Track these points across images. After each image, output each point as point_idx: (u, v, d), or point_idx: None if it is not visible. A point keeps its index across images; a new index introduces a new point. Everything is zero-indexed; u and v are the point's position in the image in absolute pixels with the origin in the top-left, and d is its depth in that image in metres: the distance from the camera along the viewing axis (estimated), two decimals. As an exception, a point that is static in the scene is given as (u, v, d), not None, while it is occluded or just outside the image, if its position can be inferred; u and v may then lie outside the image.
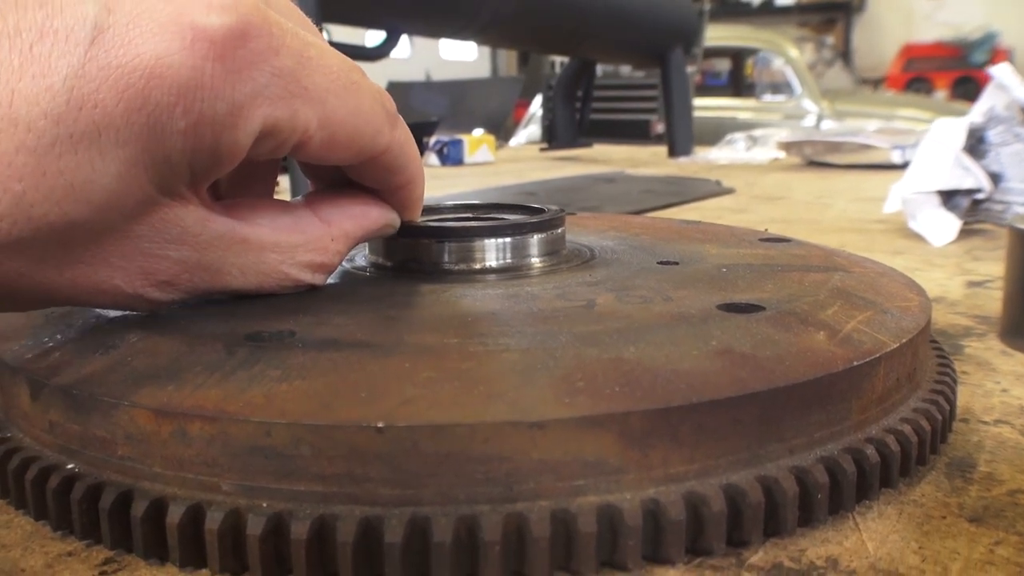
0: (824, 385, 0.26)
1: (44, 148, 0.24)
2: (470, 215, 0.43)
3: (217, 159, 0.27)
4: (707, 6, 1.90)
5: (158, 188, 0.27)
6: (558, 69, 3.82)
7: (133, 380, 0.25)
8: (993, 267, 0.63)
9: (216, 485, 0.23)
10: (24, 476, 0.26)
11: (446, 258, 0.37)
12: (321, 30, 1.07)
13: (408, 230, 0.36)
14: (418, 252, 0.37)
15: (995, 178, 0.73)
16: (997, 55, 6.79)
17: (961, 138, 0.74)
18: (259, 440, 0.23)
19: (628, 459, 0.23)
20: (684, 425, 0.23)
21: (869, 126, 4.40)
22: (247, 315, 0.30)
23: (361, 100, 0.30)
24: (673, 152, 1.73)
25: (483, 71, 8.32)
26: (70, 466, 0.26)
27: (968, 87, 6.65)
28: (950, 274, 0.61)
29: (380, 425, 0.22)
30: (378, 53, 1.26)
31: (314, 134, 0.29)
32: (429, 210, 0.43)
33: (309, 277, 0.32)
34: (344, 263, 0.39)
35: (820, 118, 4.62)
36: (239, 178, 0.34)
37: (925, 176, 0.73)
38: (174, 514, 0.23)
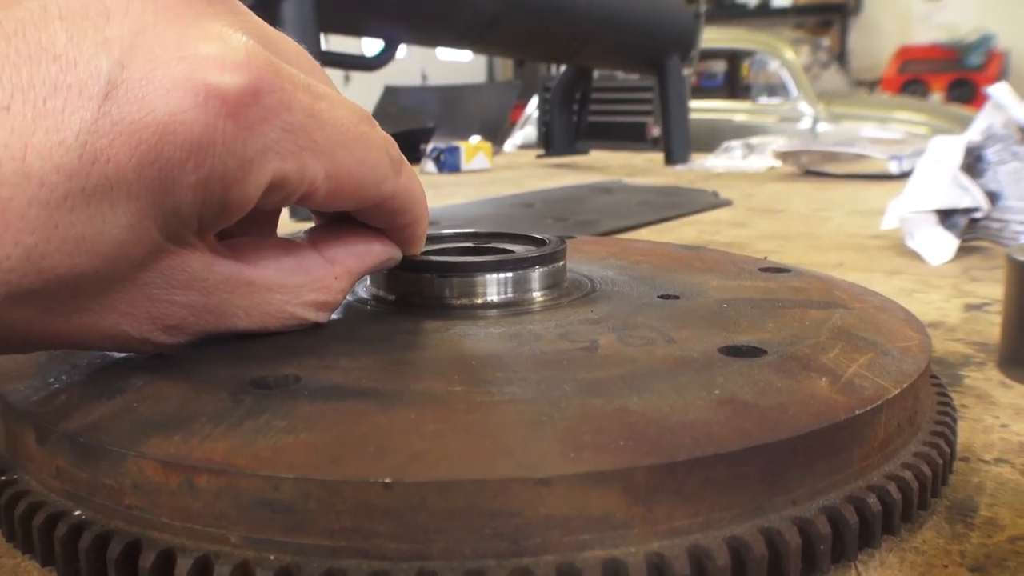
0: (827, 435, 0.26)
1: (56, 202, 0.24)
2: (471, 244, 0.44)
3: (225, 211, 0.28)
4: (703, 8, 1.91)
5: (166, 237, 0.27)
6: (554, 71, 3.83)
7: (140, 428, 0.25)
8: (991, 289, 0.63)
9: (224, 537, 0.23)
10: (31, 522, 0.26)
11: (448, 293, 0.37)
12: (318, 41, 1.07)
13: (410, 264, 0.37)
14: (420, 286, 0.37)
15: (993, 197, 0.74)
16: (992, 58, 6.81)
17: (959, 157, 0.74)
18: (267, 494, 0.23)
19: (633, 514, 0.23)
20: (689, 479, 0.23)
21: (864, 129, 4.43)
22: (251, 357, 0.30)
23: (368, 151, 0.30)
24: (670, 160, 1.73)
25: (479, 72, 8.32)
26: (77, 513, 0.26)
27: (963, 90, 6.67)
28: (948, 296, 0.61)
29: (388, 481, 0.22)
30: (377, 62, 1.27)
31: (321, 185, 0.29)
32: (430, 239, 0.43)
33: (313, 315, 0.32)
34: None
35: (816, 121, 4.63)
36: (242, 219, 0.35)
37: (923, 195, 0.73)
38: (182, 566, 0.23)
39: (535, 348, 0.31)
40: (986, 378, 0.44)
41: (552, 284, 0.39)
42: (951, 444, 0.32)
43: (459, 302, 0.37)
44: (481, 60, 8.21)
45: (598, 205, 1.07)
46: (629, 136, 3.73)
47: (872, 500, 0.27)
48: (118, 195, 0.25)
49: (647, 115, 3.91)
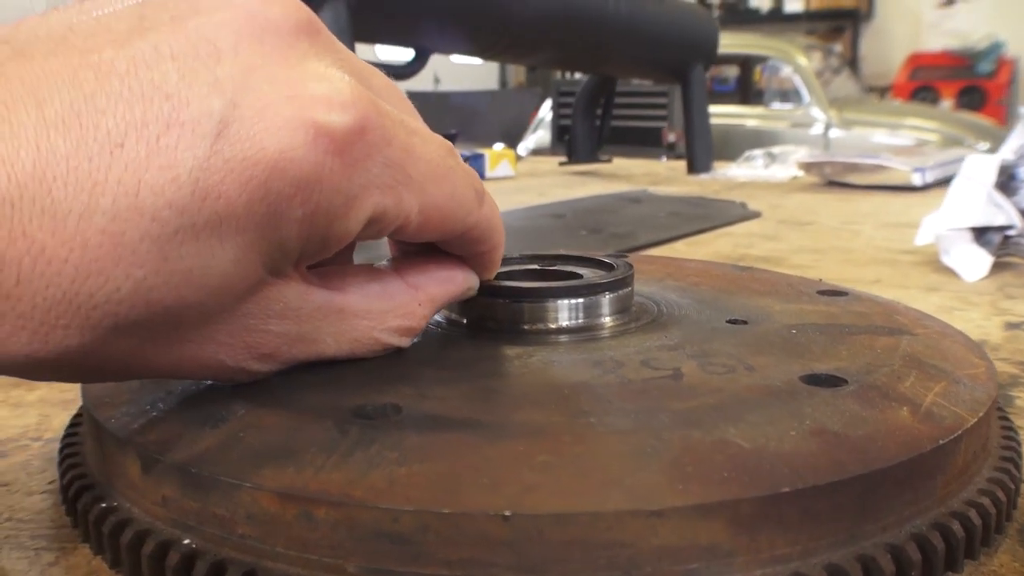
0: (914, 465, 0.27)
1: (167, 236, 0.25)
2: (536, 267, 0.45)
3: (327, 244, 0.29)
4: (716, 13, 1.92)
5: (268, 270, 0.28)
6: (569, 76, 3.84)
7: (251, 459, 0.26)
8: (1033, 306, 0.64)
9: (341, 567, 0.24)
10: (140, 550, 0.27)
11: (522, 318, 0.38)
12: (353, 49, 1.08)
13: (485, 289, 0.38)
14: (494, 311, 0.38)
15: (1027, 214, 0.75)
16: (1002, 65, 6.81)
17: (993, 175, 0.75)
18: (386, 525, 0.24)
19: (738, 543, 0.24)
20: (790, 510, 0.24)
21: (876, 135, 4.43)
22: (344, 384, 0.31)
23: (456, 185, 0.31)
24: (692, 169, 1.74)
25: (491, 75, 8.33)
26: (187, 541, 0.27)
27: (973, 97, 6.68)
28: (987, 314, 0.62)
29: (507, 514, 0.23)
30: (408, 71, 1.28)
31: (414, 219, 0.30)
32: (497, 261, 0.44)
33: (397, 341, 0.33)
34: None
35: (828, 127, 4.64)
36: None
37: (958, 213, 0.74)
38: (302, 593, 0.24)
39: (621, 376, 0.32)
40: (1037, 399, 0.45)
41: (622, 309, 0.40)
42: (1019, 468, 0.33)
43: (532, 327, 0.38)
44: (494, 63, 8.22)
45: (629, 216, 1.08)
46: (645, 141, 3.75)
47: (955, 526, 0.27)
48: (227, 230, 0.26)
49: (662, 120, 3.93)
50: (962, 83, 6.82)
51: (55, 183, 0.24)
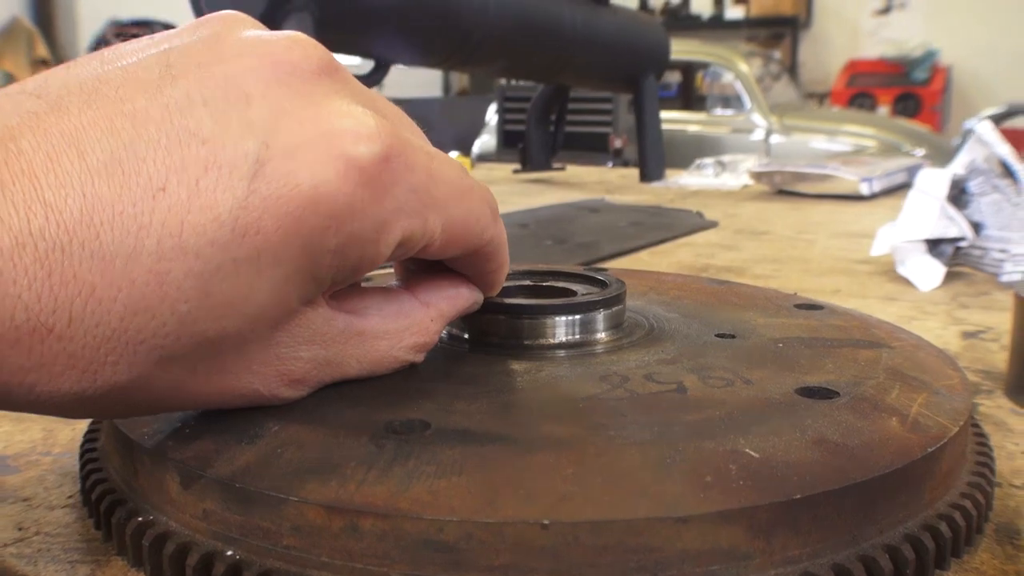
0: (907, 471, 0.29)
1: (210, 272, 0.26)
2: (529, 283, 0.46)
3: (358, 270, 0.30)
4: (658, 19, 1.95)
5: (301, 299, 0.30)
6: (513, 81, 3.87)
7: (293, 474, 0.28)
8: (982, 316, 0.67)
9: (386, 575, 0.26)
10: (185, 561, 0.28)
11: (523, 334, 0.40)
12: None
13: (488, 306, 0.39)
14: (497, 327, 0.40)
15: (976, 227, 0.78)
16: (936, 73, 7.01)
17: (945, 189, 0.78)
18: (431, 535, 0.25)
19: (755, 547, 0.26)
20: (802, 515, 0.27)
21: (815, 141, 4.53)
22: (369, 401, 0.32)
23: (473, 203, 0.33)
24: (645, 177, 1.77)
25: (435, 81, 8.33)
26: (229, 553, 0.28)
27: (908, 103, 6.86)
28: (944, 323, 0.65)
29: (546, 522, 0.25)
30: (369, 82, 1.29)
31: (438, 238, 0.32)
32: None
33: (413, 357, 0.35)
34: None
35: (768, 132, 4.74)
36: None
37: (914, 225, 0.78)
38: (351, 601, 0.26)
39: (629, 390, 0.34)
40: (997, 406, 0.48)
41: (616, 324, 0.42)
42: (993, 472, 0.35)
43: (533, 343, 0.40)
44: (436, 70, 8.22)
45: (591, 226, 1.10)
46: (591, 147, 3.79)
47: (943, 527, 0.30)
48: (265, 263, 0.27)
49: (608, 126, 3.98)
50: (898, 90, 7.00)
51: (102, 227, 0.25)
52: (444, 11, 1.27)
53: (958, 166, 0.81)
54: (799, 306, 0.48)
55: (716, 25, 7.83)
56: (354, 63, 1.28)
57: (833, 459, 0.28)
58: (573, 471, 0.27)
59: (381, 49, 1.23)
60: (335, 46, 1.18)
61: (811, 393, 0.33)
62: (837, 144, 4.56)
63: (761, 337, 0.41)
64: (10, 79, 4.92)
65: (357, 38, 1.18)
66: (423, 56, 1.35)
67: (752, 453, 0.28)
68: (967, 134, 0.82)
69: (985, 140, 0.79)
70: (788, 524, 0.26)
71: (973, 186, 0.80)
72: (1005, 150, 0.80)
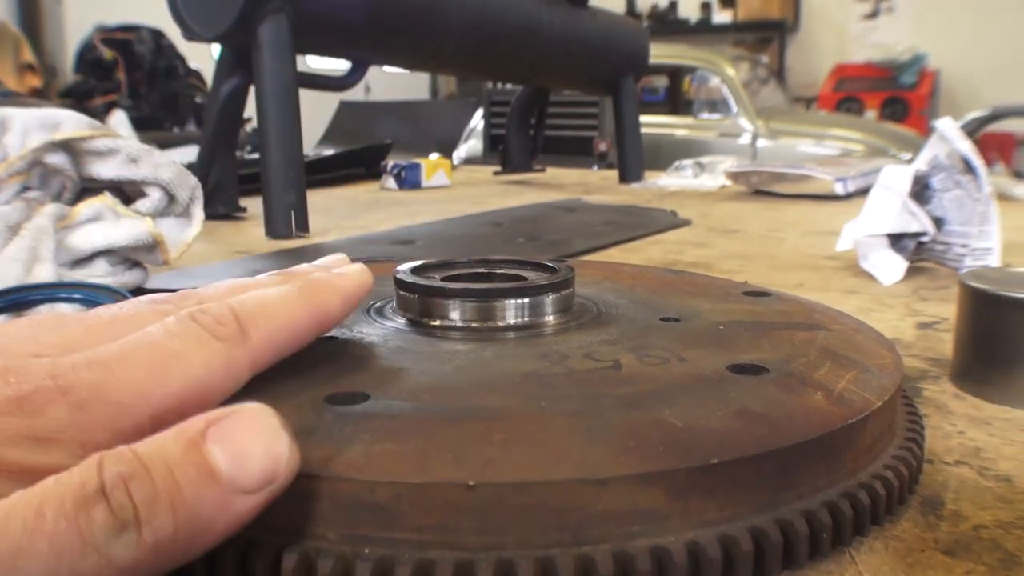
0: (826, 441, 0.31)
1: None
2: (483, 270, 0.48)
3: None
4: (645, 23, 1.97)
5: None
6: (500, 85, 3.90)
7: (238, 440, 0.29)
8: (938, 308, 0.69)
9: (324, 535, 0.27)
10: None
11: (473, 316, 0.41)
12: (294, 61, 1.10)
13: (440, 291, 0.41)
14: (447, 311, 0.41)
15: (938, 222, 0.80)
16: (924, 77, 7.05)
17: (908, 185, 0.80)
18: (364, 496, 0.27)
19: (673, 508, 0.27)
20: (719, 479, 0.28)
21: (802, 145, 4.56)
22: (313, 373, 0.34)
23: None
24: (624, 178, 1.79)
25: (423, 84, 8.34)
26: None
27: (896, 107, 6.90)
28: (901, 315, 0.67)
29: (471, 484, 0.26)
30: (345, 83, 1.30)
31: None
32: (448, 264, 0.48)
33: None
34: (377, 319, 0.43)
35: (755, 137, 4.76)
36: None
37: (875, 220, 0.79)
38: (289, 560, 0.27)
39: (566, 366, 0.35)
40: (942, 390, 0.49)
41: (564, 308, 0.43)
42: (921, 448, 0.37)
43: (483, 325, 0.41)
44: (424, 73, 8.23)
45: (564, 224, 1.11)
46: (577, 151, 3.81)
47: (863, 495, 0.31)
48: None
49: (593, 130, 4.00)
50: (885, 94, 7.04)
51: None
52: (419, 13, 1.28)
53: (920, 162, 0.83)
54: (747, 293, 0.49)
55: (704, 29, 7.86)
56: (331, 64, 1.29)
57: (753, 428, 0.30)
58: (501, 437, 0.28)
59: (357, 51, 1.25)
60: (311, 48, 1.19)
61: (742, 370, 0.35)
62: (824, 148, 4.59)
63: (704, 321, 0.43)
64: (-3, 84, 4.92)
65: (333, 40, 1.20)
66: (399, 58, 1.36)
67: (675, 422, 0.30)
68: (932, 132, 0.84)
69: (947, 137, 0.80)
70: (705, 488, 0.28)
71: (935, 182, 0.82)
72: (966, 146, 0.81)
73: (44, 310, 0.60)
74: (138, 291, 0.70)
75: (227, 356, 0.30)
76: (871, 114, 6.88)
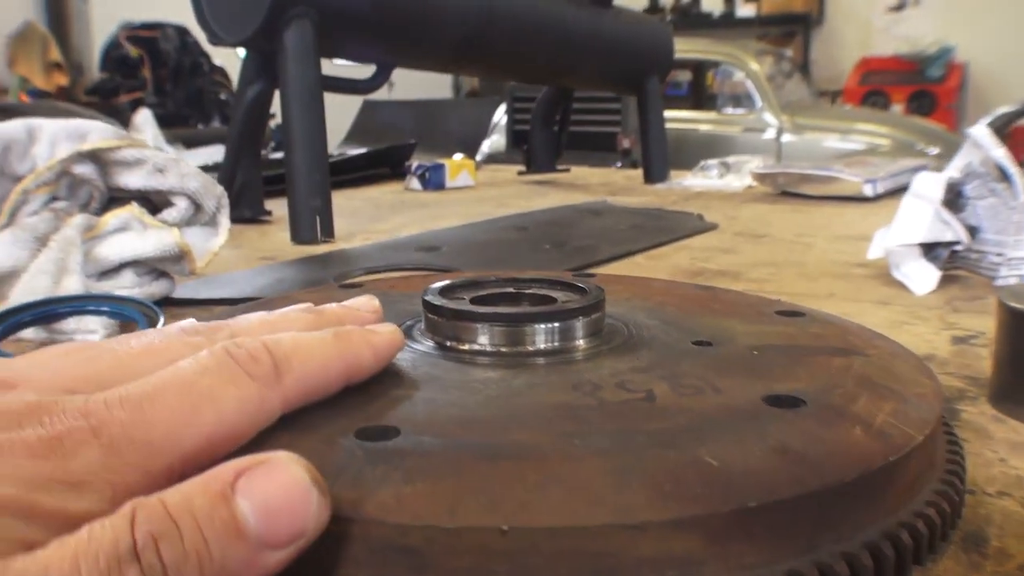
0: (867, 480, 0.30)
1: None
2: (512, 289, 0.47)
3: None
4: (668, 18, 1.96)
5: None
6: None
7: (268, 478, 0.29)
8: (973, 320, 0.67)
9: (355, 576, 0.27)
10: None
11: (502, 342, 0.40)
12: (319, 65, 1.10)
13: (467, 315, 0.40)
14: (475, 336, 0.41)
15: (972, 230, 0.79)
16: (952, 70, 6.97)
17: (940, 193, 0.79)
18: (396, 539, 0.26)
19: (710, 553, 0.27)
20: (756, 523, 0.27)
21: (827, 140, 4.52)
22: (345, 405, 0.33)
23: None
24: (649, 179, 1.78)
25: (445, 80, 8.33)
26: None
27: (923, 101, 6.82)
28: (935, 328, 0.66)
29: (505, 528, 0.26)
30: (369, 86, 1.30)
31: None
32: (475, 284, 0.47)
33: None
34: (406, 341, 0.42)
35: (780, 132, 4.73)
36: None
37: (908, 229, 0.78)
38: (318, 605, 0.26)
39: (599, 398, 0.34)
40: (980, 412, 0.48)
41: (594, 332, 0.42)
42: (963, 481, 0.36)
43: (512, 350, 0.40)
44: (449, 68, 8.21)
45: (591, 229, 1.11)
46: (599, 147, 3.79)
47: (904, 535, 0.30)
48: None
49: (616, 126, 3.98)
50: (912, 88, 6.96)
51: None
52: (444, 16, 1.28)
53: (954, 170, 0.81)
54: (780, 313, 0.49)
55: (727, 23, 7.81)
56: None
57: (791, 467, 0.29)
58: (535, 479, 0.28)
59: (381, 54, 1.24)
60: (335, 51, 1.19)
61: (778, 402, 0.34)
62: (850, 143, 4.55)
63: (738, 345, 0.42)
64: (25, 83, 4.96)
65: (357, 43, 1.19)
66: (423, 61, 1.36)
67: (711, 461, 0.29)
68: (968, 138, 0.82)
69: (981, 144, 0.79)
70: (743, 531, 0.27)
71: (969, 190, 0.81)
72: (1001, 154, 0.80)
73: (72, 323, 0.60)
74: (165, 301, 0.70)
75: (260, 396, 0.30)
76: (897, 108, 6.81)
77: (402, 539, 0.26)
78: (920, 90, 6.93)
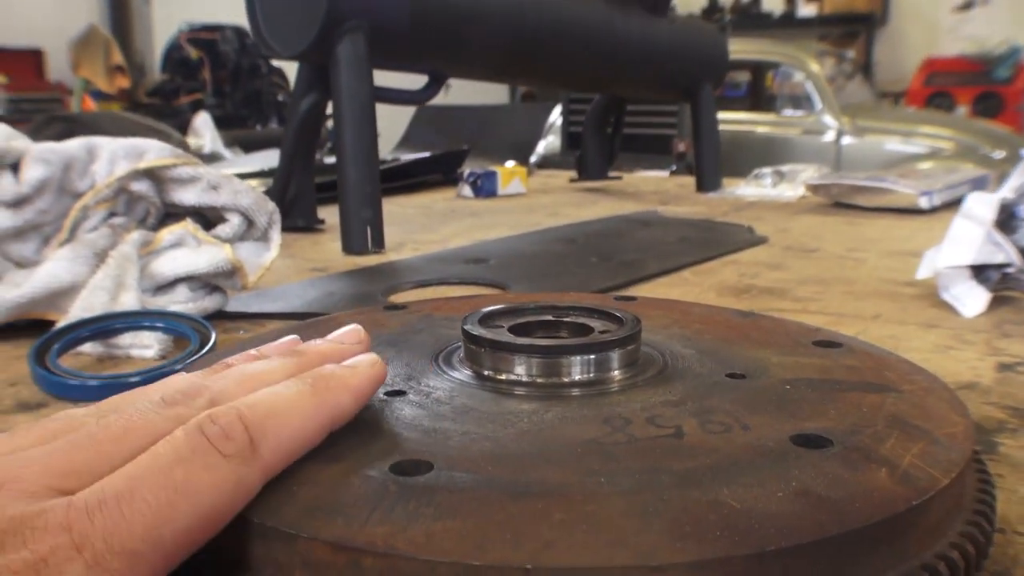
0: (889, 524, 0.30)
1: None
2: (551, 317, 0.48)
3: None
4: (728, 18, 1.94)
5: None
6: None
7: (305, 512, 0.30)
8: (1022, 346, 0.67)
9: (384, 608, 0.28)
10: None
11: (538, 372, 0.41)
12: (371, 76, 1.12)
13: (505, 345, 0.41)
14: (512, 366, 0.42)
15: None
16: (1021, 71, 6.81)
17: (992, 214, 0.78)
18: (425, 574, 0.27)
19: (728, 596, 0.27)
20: (775, 567, 0.28)
21: (889, 143, 4.45)
22: (380, 436, 0.35)
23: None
24: (701, 187, 1.77)
25: (501, 86, 8.36)
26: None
27: (990, 103, 6.67)
28: (981, 354, 0.65)
29: (529, 567, 0.27)
30: (423, 97, 1.31)
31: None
32: (513, 312, 0.48)
33: None
34: (444, 369, 0.43)
35: (840, 134, 4.66)
36: None
37: (957, 251, 0.77)
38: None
39: (628, 433, 0.35)
40: (1020, 445, 0.48)
41: (630, 362, 0.43)
42: (991, 523, 0.36)
43: (547, 381, 0.41)
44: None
45: (639, 241, 1.11)
46: (655, 150, 3.78)
47: (926, 578, 0.31)
48: None
49: (672, 128, 3.96)
50: (978, 89, 6.81)
51: None
52: (491, 28, 1.29)
53: (1008, 190, 0.80)
54: (818, 343, 0.49)
55: (788, 23, 7.71)
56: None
57: (812, 511, 0.30)
58: (560, 518, 0.29)
59: (434, 65, 1.26)
60: (388, 64, 1.21)
61: (805, 441, 0.35)
62: (912, 146, 4.47)
63: (771, 378, 0.43)
64: (88, 85, 5.09)
65: (410, 56, 1.21)
66: (472, 71, 1.37)
67: (733, 503, 0.30)
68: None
69: (1034, 165, 0.78)
70: (761, 574, 0.28)
71: (1023, 210, 0.80)
72: (1055, 174, 0.79)
73: (128, 338, 0.62)
74: (217, 315, 0.73)
75: (237, 475, 0.30)
76: (962, 110, 6.68)
77: (430, 575, 0.27)
78: (986, 91, 6.78)
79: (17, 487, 0.28)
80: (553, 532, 0.28)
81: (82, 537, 0.26)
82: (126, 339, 0.62)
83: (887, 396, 0.40)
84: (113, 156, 0.71)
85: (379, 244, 1.09)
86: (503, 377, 0.42)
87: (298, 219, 1.25)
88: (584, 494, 0.30)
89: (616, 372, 0.42)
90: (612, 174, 1.95)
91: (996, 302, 0.78)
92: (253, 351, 0.40)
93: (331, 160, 1.98)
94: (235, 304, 0.76)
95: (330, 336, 0.42)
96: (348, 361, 0.38)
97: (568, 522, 0.29)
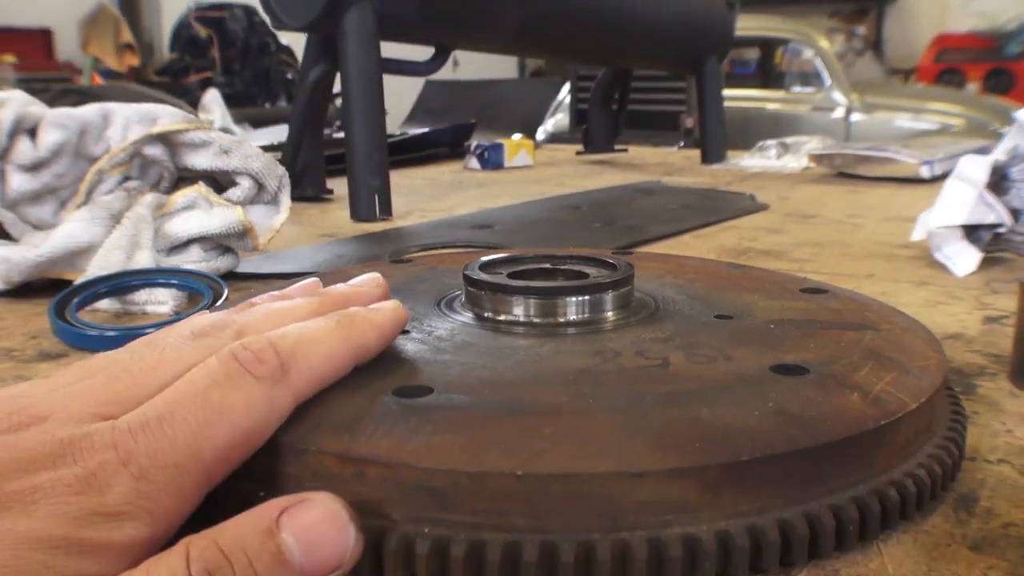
0: (857, 440, 0.33)
1: None
2: (548, 265, 0.50)
3: None
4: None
5: None
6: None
7: (314, 428, 0.32)
8: (1010, 301, 0.69)
9: (389, 515, 0.30)
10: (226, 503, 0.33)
11: (534, 313, 0.44)
12: (379, 48, 1.14)
13: (504, 288, 0.44)
14: (510, 307, 0.44)
15: (1016, 213, 0.79)
16: (1032, 47, 6.78)
17: (984, 175, 0.80)
18: (424, 481, 0.30)
19: (705, 500, 0.30)
20: (749, 475, 0.30)
21: (899, 120, 4.44)
22: (384, 367, 0.37)
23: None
24: (706, 159, 1.79)
25: (509, 61, 8.34)
26: (262, 494, 0.32)
27: (1001, 79, 6.65)
28: (969, 308, 0.67)
29: (520, 473, 0.29)
30: (428, 69, 1.33)
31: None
32: (516, 260, 0.50)
33: None
34: (447, 312, 0.46)
35: (849, 111, 4.65)
36: None
37: (950, 211, 0.79)
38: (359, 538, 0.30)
39: (617, 364, 0.37)
40: (997, 388, 0.50)
41: (623, 305, 0.45)
42: (959, 447, 0.38)
43: (544, 320, 0.44)
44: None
45: (642, 208, 1.13)
46: (662, 126, 3.78)
47: (892, 492, 0.33)
48: None
49: (680, 104, 3.96)
50: (989, 65, 6.78)
51: None
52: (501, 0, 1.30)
53: (999, 152, 0.82)
54: (805, 290, 0.51)
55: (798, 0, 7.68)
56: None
57: (786, 427, 0.32)
58: (550, 431, 0.31)
59: (440, 36, 1.28)
60: (395, 35, 1.23)
61: (784, 370, 0.37)
62: (922, 123, 4.45)
63: (757, 319, 0.45)
64: (97, 64, 5.11)
65: (418, 27, 1.23)
66: (481, 43, 1.39)
67: (711, 420, 0.32)
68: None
69: (1025, 127, 0.80)
70: (736, 482, 0.30)
71: (1015, 172, 0.81)
72: (1047, 137, 0.81)
73: (143, 294, 0.65)
74: (229, 275, 0.75)
75: (269, 396, 0.32)
76: (973, 87, 6.65)
77: (430, 481, 0.30)
78: (998, 68, 6.75)
79: (64, 415, 0.30)
80: (543, 443, 0.30)
81: (128, 453, 0.28)
82: (142, 295, 0.65)
83: (865, 333, 0.42)
84: (127, 121, 0.73)
85: (387, 211, 1.11)
86: (502, 318, 0.44)
87: (307, 189, 1.27)
88: (573, 412, 0.33)
89: (609, 313, 0.44)
90: (618, 147, 1.97)
91: (987, 262, 0.80)
92: (276, 292, 0.42)
93: (341, 135, 2.00)
94: (246, 266, 0.79)
95: (350, 282, 0.43)
96: (372, 305, 0.39)
97: (557, 435, 0.31)
